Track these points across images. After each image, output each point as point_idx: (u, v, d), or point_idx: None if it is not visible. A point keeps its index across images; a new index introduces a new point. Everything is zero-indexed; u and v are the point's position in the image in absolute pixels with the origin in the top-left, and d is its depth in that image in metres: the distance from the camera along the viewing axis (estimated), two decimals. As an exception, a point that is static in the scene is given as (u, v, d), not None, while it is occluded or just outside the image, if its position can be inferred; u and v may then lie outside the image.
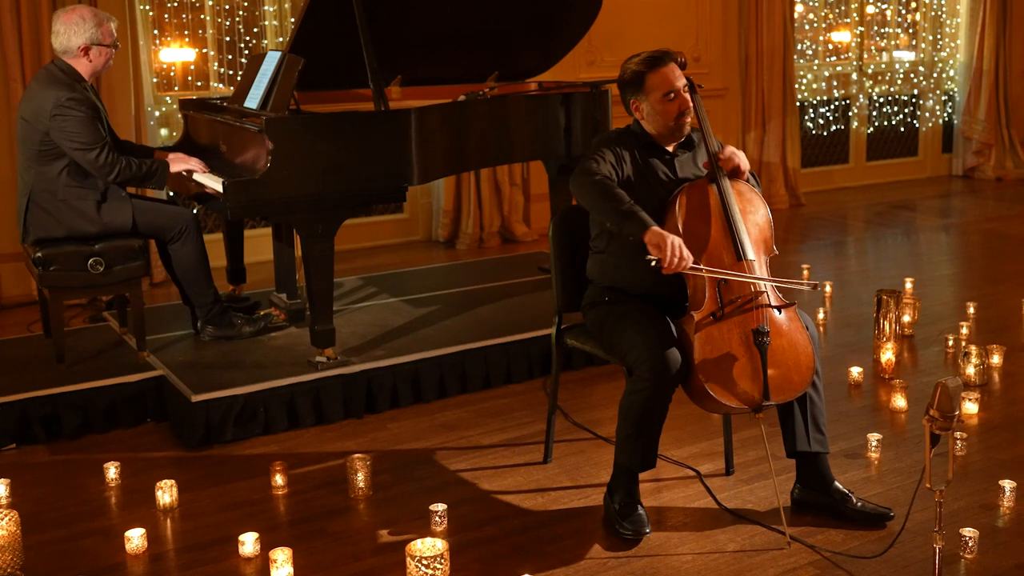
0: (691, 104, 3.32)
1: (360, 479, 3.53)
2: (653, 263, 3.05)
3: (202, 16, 6.56)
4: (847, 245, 7.36)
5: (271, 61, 4.51)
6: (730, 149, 3.31)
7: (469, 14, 5.12)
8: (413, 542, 2.94)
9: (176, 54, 6.54)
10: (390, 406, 4.31)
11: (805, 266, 6.24)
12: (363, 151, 4.16)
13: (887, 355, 4.53)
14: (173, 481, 3.49)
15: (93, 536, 3.30)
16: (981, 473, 3.59)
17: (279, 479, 3.59)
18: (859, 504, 3.24)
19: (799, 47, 8.80)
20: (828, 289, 5.83)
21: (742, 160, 3.32)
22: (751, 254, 3.21)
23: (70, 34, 4.25)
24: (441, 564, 2.91)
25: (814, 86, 8.89)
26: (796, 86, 8.54)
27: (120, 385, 4.16)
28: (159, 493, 3.46)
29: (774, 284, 3.23)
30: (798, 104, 8.66)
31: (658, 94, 3.29)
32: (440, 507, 3.29)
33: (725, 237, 3.21)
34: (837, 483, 3.28)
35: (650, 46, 7.52)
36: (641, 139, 3.38)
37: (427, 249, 7.20)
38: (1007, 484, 3.35)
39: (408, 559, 2.90)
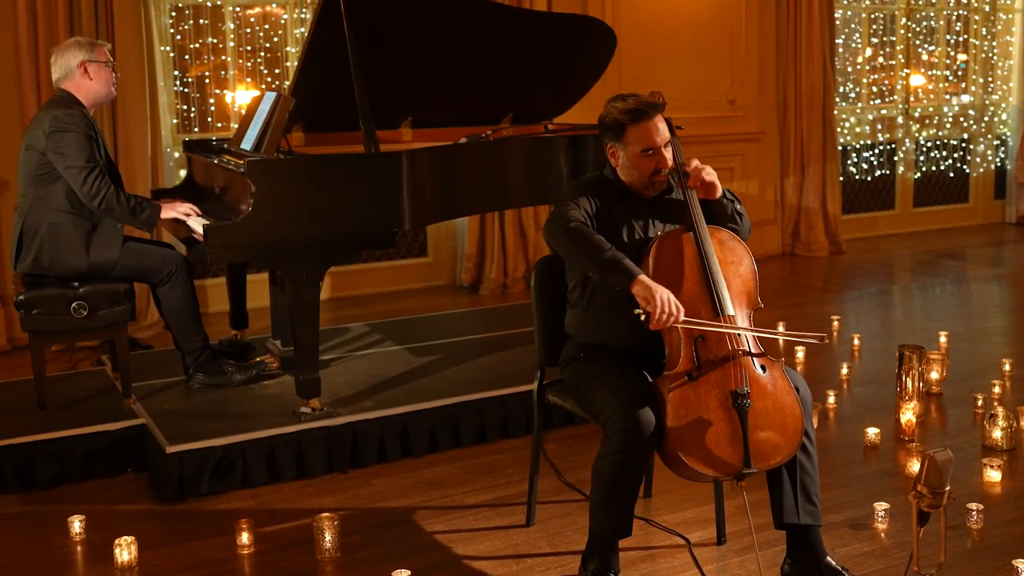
0: (669, 163, 3.11)
1: (327, 540, 3.34)
2: (642, 317, 2.85)
3: (224, 57, 6.52)
4: (886, 295, 7.04)
5: (267, 102, 4.41)
6: (695, 162, 3.09)
7: (482, 57, 5.00)
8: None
9: (197, 95, 6.50)
10: (377, 460, 4.13)
11: (835, 317, 5.97)
12: (351, 195, 4.02)
13: (907, 415, 4.25)
14: (133, 538, 3.33)
15: (43, 595, 3.17)
16: (997, 549, 3.29)
17: (245, 537, 3.42)
18: (853, 583, 2.97)
19: (842, 90, 8.54)
20: (856, 342, 5.54)
21: (709, 173, 3.10)
22: (730, 308, 2.99)
23: (67, 57, 4.23)
24: (392, 638, 2.72)
25: (857, 130, 8.61)
26: (838, 130, 8.28)
27: (99, 434, 4.04)
28: (117, 551, 3.31)
29: (754, 338, 2.99)
30: (840, 148, 8.39)
31: (636, 148, 3.09)
32: (404, 573, 3.09)
33: (703, 290, 3.00)
34: (830, 559, 3.01)
35: (683, 87, 7.46)
36: (615, 186, 3.19)
37: (450, 294, 7.04)
38: (1022, 564, 3.05)
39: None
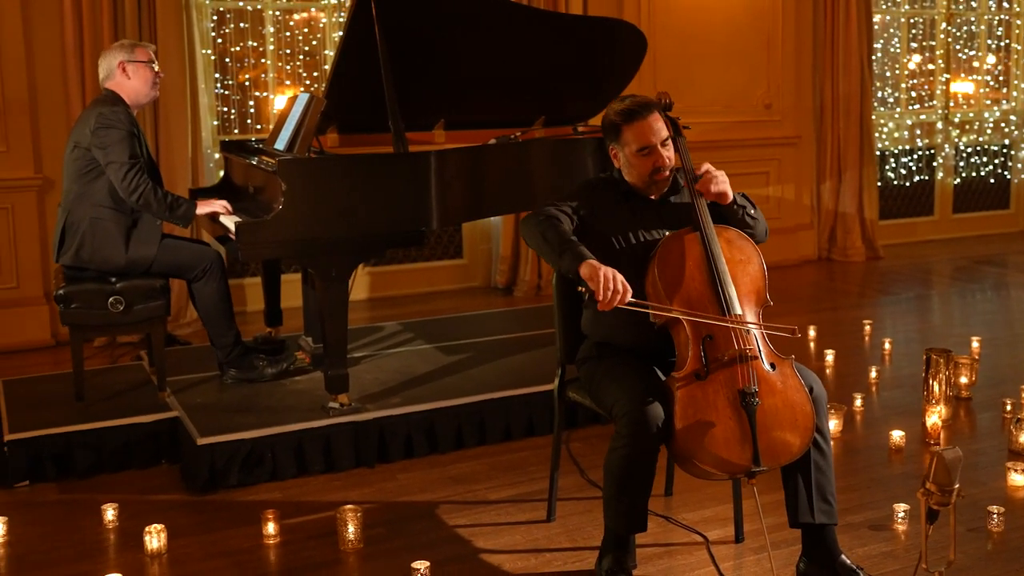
0: (667, 160, 3.15)
1: (351, 532, 3.41)
2: (586, 295, 2.90)
3: (264, 60, 6.64)
4: (921, 300, 7.00)
5: (300, 103, 4.51)
6: (706, 167, 3.13)
7: (513, 60, 5.05)
8: (381, 601, 2.82)
9: (237, 97, 6.63)
10: (403, 456, 4.20)
11: (867, 321, 5.96)
12: (380, 194, 4.10)
13: (932, 418, 4.24)
14: (163, 526, 3.43)
15: (77, 579, 3.26)
16: (1016, 552, 3.29)
17: (271, 528, 3.50)
18: (867, 582, 2.99)
19: (880, 95, 8.50)
20: (887, 346, 5.53)
21: (719, 183, 3.12)
22: (737, 307, 3.00)
23: (110, 58, 4.37)
24: (409, 626, 2.78)
25: (896, 135, 8.57)
26: (876, 135, 8.24)
27: (134, 425, 4.14)
28: (147, 538, 3.40)
29: (763, 336, 3.01)
30: (878, 153, 8.36)
31: (633, 147, 3.14)
32: (422, 565, 3.15)
33: (709, 289, 3.02)
34: (844, 557, 3.03)
35: (719, 91, 7.49)
36: (621, 186, 3.23)
37: (485, 296, 7.11)
38: (1038, 566, 3.06)
39: (375, 619, 2.78)
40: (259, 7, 6.58)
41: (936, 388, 4.39)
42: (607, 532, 3.07)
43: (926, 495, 2.47)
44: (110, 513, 3.64)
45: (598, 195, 3.24)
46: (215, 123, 6.49)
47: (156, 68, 4.44)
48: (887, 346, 5.52)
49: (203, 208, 4.38)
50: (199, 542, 3.50)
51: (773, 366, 2.99)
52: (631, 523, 3.01)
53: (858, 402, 4.63)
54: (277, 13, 6.65)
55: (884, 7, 8.49)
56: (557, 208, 3.17)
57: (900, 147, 8.62)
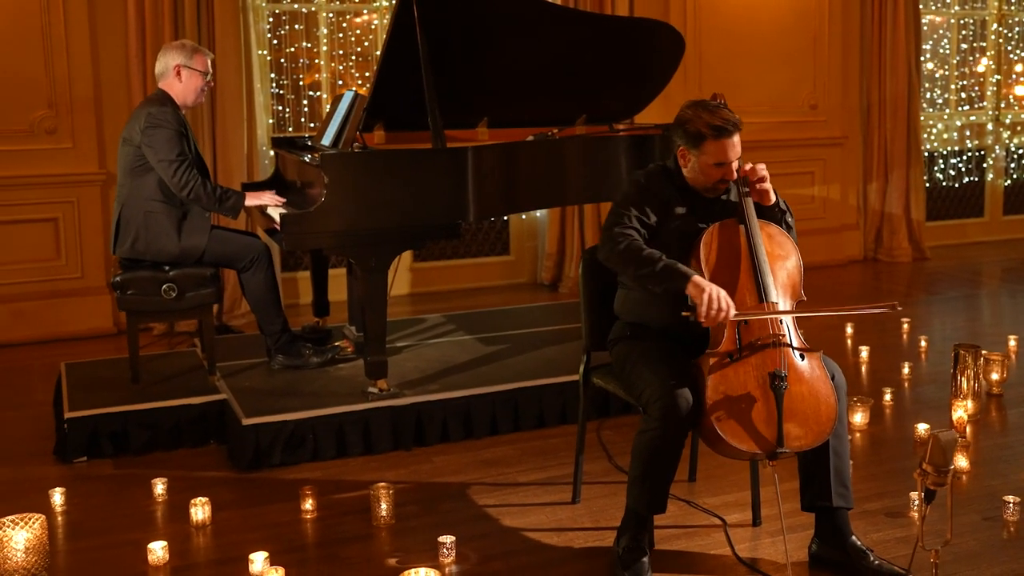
0: (735, 175, 3.28)
1: (383, 508, 3.59)
2: (691, 318, 3.02)
3: (317, 61, 6.86)
4: (964, 300, 7.01)
5: (346, 100, 4.70)
6: (753, 165, 3.27)
7: (554, 60, 5.19)
8: (407, 572, 2.98)
9: (292, 97, 6.86)
10: (439, 440, 4.36)
11: (906, 319, 6.00)
12: (418, 187, 4.27)
13: (959, 412, 4.30)
14: (207, 499, 3.63)
15: (125, 546, 3.47)
16: (1028, 540, 3.36)
17: (308, 504, 3.69)
18: (876, 563, 3.08)
19: (929, 95, 8.49)
20: (923, 344, 5.58)
21: (765, 180, 3.27)
22: (774, 296, 3.13)
23: (168, 57, 4.59)
24: (428, 594, 2.94)
25: (945, 136, 8.55)
26: (925, 136, 8.24)
27: (185, 407, 4.36)
28: (193, 510, 3.61)
29: (796, 327, 3.14)
30: (927, 154, 8.35)
31: (710, 160, 3.25)
32: (448, 539, 3.31)
33: (749, 278, 3.15)
34: (855, 538, 3.13)
35: (764, 92, 7.57)
36: (676, 179, 3.35)
37: (531, 291, 7.25)
38: (1046, 552, 3.13)
39: (398, 587, 2.95)
40: (313, 9, 6.80)
41: (964, 383, 4.45)
42: (628, 512, 3.20)
43: (922, 475, 2.57)
44: (160, 487, 3.85)
45: (656, 188, 3.35)
46: (270, 121, 6.72)
47: (209, 79, 4.64)
48: (923, 343, 5.57)
49: (251, 200, 4.60)
50: (241, 515, 3.70)
51: (803, 356, 3.10)
52: (653, 504, 3.14)
53: (888, 396, 4.70)
54: (331, 15, 6.87)
55: (934, 8, 8.48)
56: (626, 225, 3.25)
57: (949, 148, 8.61)
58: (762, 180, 3.26)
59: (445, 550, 3.31)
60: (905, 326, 5.94)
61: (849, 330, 5.86)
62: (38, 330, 6.07)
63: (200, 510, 3.62)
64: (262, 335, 4.83)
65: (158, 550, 3.32)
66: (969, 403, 4.46)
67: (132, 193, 4.51)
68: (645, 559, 3.13)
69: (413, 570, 3.00)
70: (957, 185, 8.76)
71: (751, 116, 7.61)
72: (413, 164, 4.29)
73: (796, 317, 3.17)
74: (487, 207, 4.44)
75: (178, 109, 4.55)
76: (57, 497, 3.78)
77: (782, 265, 3.23)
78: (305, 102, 6.89)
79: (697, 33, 7.47)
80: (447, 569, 3.25)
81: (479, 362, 4.86)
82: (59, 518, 3.71)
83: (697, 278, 3.03)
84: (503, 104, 5.34)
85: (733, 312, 3.01)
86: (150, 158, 4.44)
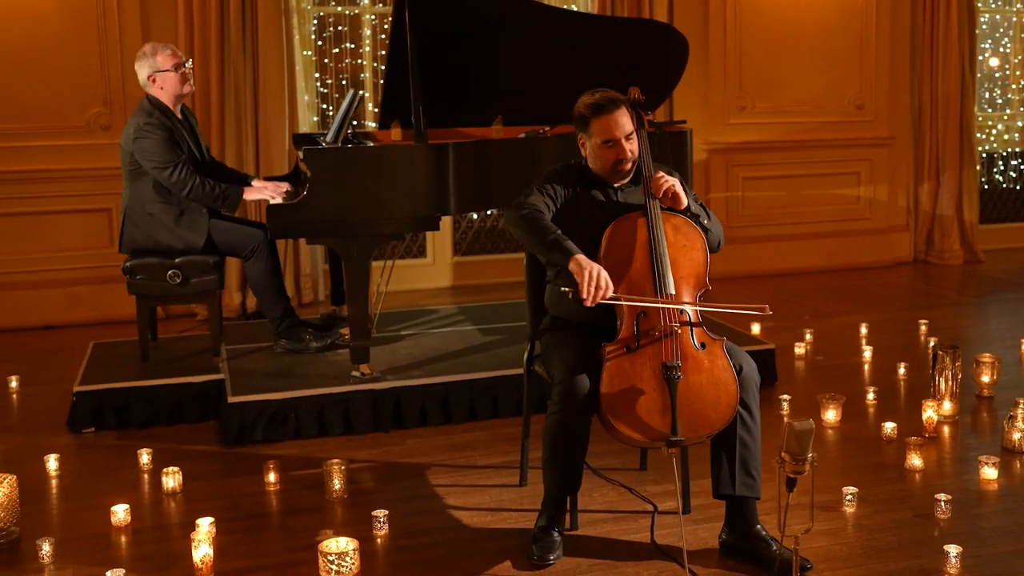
0: (630, 153, 3.37)
1: (336, 484, 3.80)
2: (570, 294, 3.15)
3: (360, 61, 7.14)
4: (998, 305, 6.85)
5: (347, 99, 4.96)
6: (661, 173, 3.34)
7: (566, 61, 5.35)
8: (327, 540, 3.19)
9: (337, 96, 7.15)
10: (418, 424, 4.56)
11: (923, 321, 5.94)
12: (400, 181, 4.48)
13: (928, 412, 4.30)
14: (178, 468, 3.92)
15: (95, 509, 3.76)
16: (953, 539, 3.35)
17: (271, 477, 3.94)
18: (777, 551, 3.15)
19: (988, 96, 8.31)
20: (931, 345, 5.51)
21: (672, 183, 3.31)
22: (671, 287, 3.22)
23: (140, 72, 4.90)
24: (347, 561, 3.14)
25: (1005, 137, 8.35)
26: (983, 136, 8.07)
27: (185, 384, 4.67)
28: (164, 479, 3.90)
29: (697, 317, 3.22)
30: (986, 155, 8.18)
31: (598, 139, 3.38)
32: (382, 513, 3.51)
33: (649, 270, 3.25)
34: (759, 527, 3.21)
35: (808, 92, 7.57)
36: (585, 174, 3.48)
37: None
38: (952, 549, 3.15)
39: (319, 554, 3.15)
40: (357, 12, 7.08)
41: (943, 384, 4.45)
42: (545, 494, 3.35)
43: (781, 463, 2.65)
44: (145, 457, 4.15)
45: (566, 180, 3.50)
46: (315, 119, 7.02)
47: (184, 67, 4.88)
48: (930, 344, 5.51)
49: (251, 195, 4.88)
50: (211, 486, 3.97)
51: (703, 345, 3.20)
52: (563, 485, 3.29)
53: (871, 395, 4.71)
54: (372, 17, 7.14)
55: (994, 6, 8.29)
56: (538, 196, 3.43)
57: (1009, 149, 8.40)
58: (667, 193, 3.32)
59: (378, 523, 3.50)
60: (923, 327, 5.88)
61: (864, 330, 5.83)
62: (91, 313, 6.50)
63: (171, 479, 3.90)
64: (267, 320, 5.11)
65: (120, 512, 3.61)
66: (947, 404, 4.45)
67: (132, 195, 4.84)
68: (557, 536, 3.27)
69: (334, 540, 3.20)
70: (1018, 187, 8.53)
71: (794, 116, 7.63)
72: (396, 159, 4.50)
73: (699, 306, 3.26)
74: (466, 201, 4.61)
75: (168, 112, 4.85)
76: (52, 463, 4.11)
77: (687, 255, 3.31)
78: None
79: (738, 32, 7.48)
80: (377, 541, 3.45)
81: (471, 351, 5.04)
82: (52, 481, 4.05)
83: (579, 256, 3.13)
84: (515, 103, 5.51)
85: (611, 292, 3.11)
86: (145, 166, 4.76)
